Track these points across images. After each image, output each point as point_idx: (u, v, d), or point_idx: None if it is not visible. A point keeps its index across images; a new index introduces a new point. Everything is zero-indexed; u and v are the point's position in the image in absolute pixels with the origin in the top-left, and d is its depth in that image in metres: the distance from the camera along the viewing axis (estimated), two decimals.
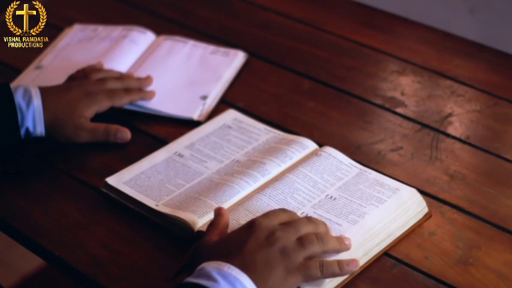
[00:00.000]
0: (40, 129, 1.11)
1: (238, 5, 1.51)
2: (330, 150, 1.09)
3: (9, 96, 1.09)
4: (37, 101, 1.11)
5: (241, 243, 0.88)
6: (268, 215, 0.93)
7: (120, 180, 1.06)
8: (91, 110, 1.15)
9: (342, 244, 0.93)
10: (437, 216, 1.03)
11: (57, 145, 1.14)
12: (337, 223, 0.98)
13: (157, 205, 1.02)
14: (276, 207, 0.99)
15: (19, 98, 1.10)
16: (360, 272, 0.94)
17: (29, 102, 1.10)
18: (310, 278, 0.89)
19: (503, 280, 0.94)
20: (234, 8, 1.50)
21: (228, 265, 0.85)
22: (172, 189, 1.05)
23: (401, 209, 1.01)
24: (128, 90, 1.20)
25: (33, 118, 1.10)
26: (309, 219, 0.93)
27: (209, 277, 0.84)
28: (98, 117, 1.16)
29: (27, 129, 1.10)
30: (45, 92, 1.13)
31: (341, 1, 1.53)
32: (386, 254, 0.97)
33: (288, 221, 0.92)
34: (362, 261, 0.95)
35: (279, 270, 0.87)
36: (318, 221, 0.94)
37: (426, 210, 1.03)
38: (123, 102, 1.19)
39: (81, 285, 0.97)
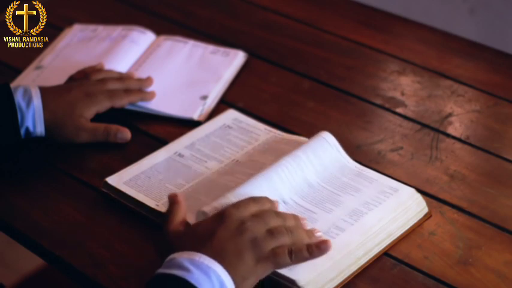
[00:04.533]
0: (40, 129, 1.11)
1: (238, 5, 1.51)
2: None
3: (9, 96, 1.09)
4: (37, 101, 1.10)
5: (212, 232, 0.88)
6: (238, 205, 0.92)
7: (120, 180, 1.06)
8: (91, 111, 1.15)
9: (311, 236, 0.92)
10: (437, 216, 1.03)
11: (57, 145, 1.14)
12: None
13: (157, 205, 1.02)
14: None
15: (19, 98, 1.10)
16: (360, 272, 0.94)
17: (29, 102, 1.10)
18: (280, 265, 0.89)
19: (503, 280, 0.94)
20: (234, 8, 1.50)
21: (199, 254, 0.85)
22: (173, 189, 1.05)
23: (401, 209, 1.01)
24: (128, 91, 1.20)
25: (33, 118, 1.10)
26: (277, 213, 0.93)
27: (181, 267, 0.84)
28: (98, 117, 1.16)
29: (27, 129, 1.10)
30: (45, 92, 1.13)
31: (341, 1, 1.53)
32: (386, 254, 0.97)
33: (257, 212, 0.92)
34: (362, 261, 0.95)
35: (249, 259, 0.87)
36: (287, 215, 0.93)
37: (426, 210, 1.03)
38: (123, 103, 1.19)
39: (81, 285, 0.97)
